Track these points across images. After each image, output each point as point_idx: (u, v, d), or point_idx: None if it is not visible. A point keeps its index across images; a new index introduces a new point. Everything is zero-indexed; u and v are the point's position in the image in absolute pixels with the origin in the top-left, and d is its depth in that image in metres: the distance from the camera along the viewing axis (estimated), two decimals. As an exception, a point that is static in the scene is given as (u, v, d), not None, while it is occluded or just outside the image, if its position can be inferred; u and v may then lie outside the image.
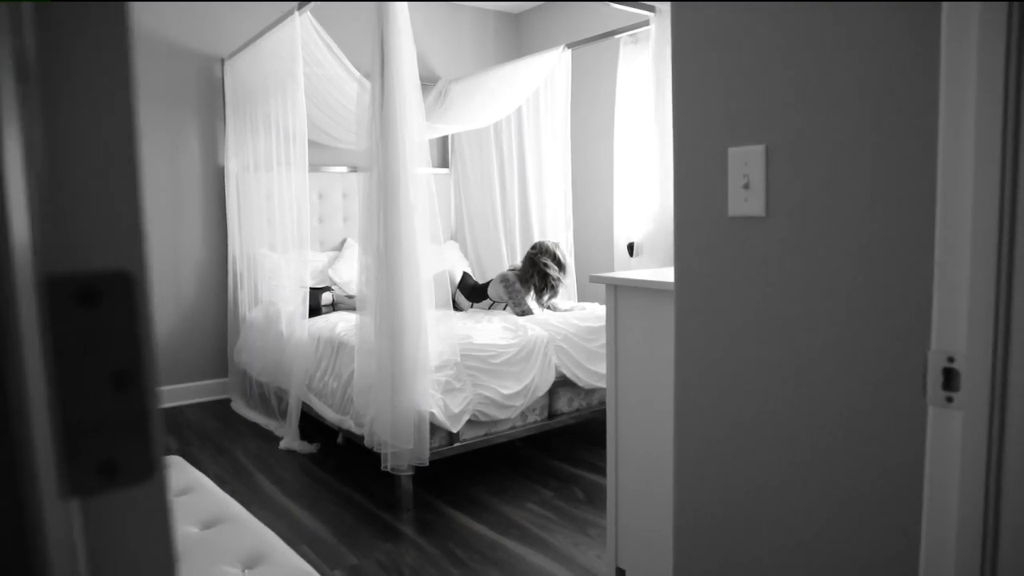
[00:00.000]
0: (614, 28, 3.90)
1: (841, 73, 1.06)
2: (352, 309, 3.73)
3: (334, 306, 4.06)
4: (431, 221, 3.05)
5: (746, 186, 1.20)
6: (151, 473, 0.27)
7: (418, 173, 2.82)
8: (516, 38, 5.53)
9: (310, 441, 3.50)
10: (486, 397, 2.92)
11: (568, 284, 3.99)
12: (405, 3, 2.78)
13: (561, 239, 4.16)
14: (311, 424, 3.59)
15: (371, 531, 2.59)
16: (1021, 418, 0.75)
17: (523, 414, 3.11)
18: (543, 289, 3.74)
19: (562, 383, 3.22)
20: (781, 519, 1.21)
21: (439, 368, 2.83)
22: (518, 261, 4.26)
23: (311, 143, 3.86)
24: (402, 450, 2.70)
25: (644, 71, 3.68)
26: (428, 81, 4.79)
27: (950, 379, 0.80)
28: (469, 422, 2.89)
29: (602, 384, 3.25)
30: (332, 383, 3.24)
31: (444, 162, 5.25)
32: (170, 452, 3.26)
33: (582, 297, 4.63)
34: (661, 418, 1.84)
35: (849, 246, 1.07)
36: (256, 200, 4.17)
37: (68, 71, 0.26)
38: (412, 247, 2.76)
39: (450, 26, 5.20)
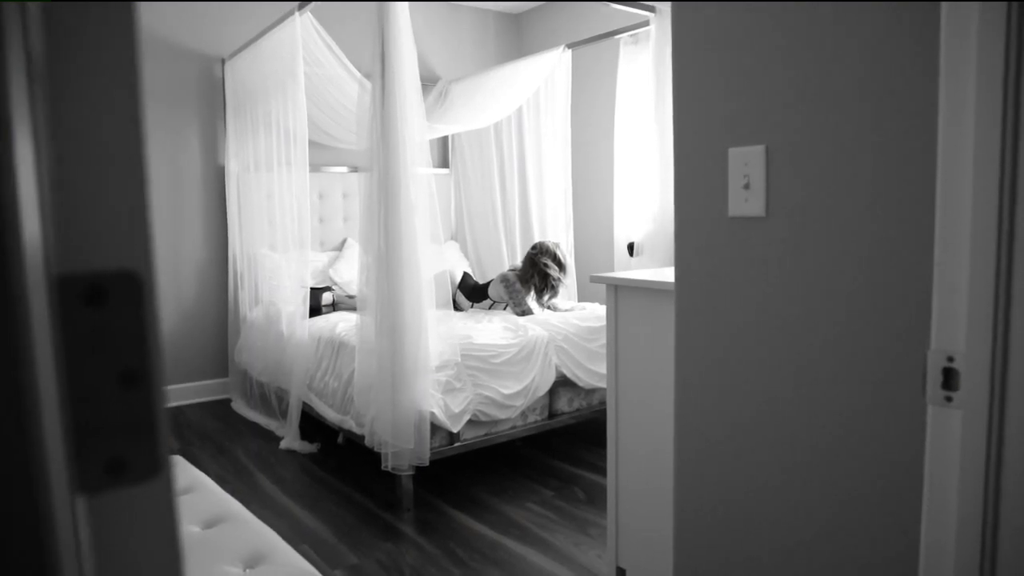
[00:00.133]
0: (614, 28, 3.90)
1: (841, 73, 1.07)
2: (352, 309, 3.73)
3: (334, 306, 4.06)
4: (431, 221, 3.06)
5: (746, 186, 1.20)
6: (158, 471, 0.28)
7: (418, 173, 2.82)
8: (516, 38, 5.53)
9: (311, 441, 3.50)
10: (486, 397, 2.92)
11: (568, 284, 3.99)
12: (406, 3, 2.78)
13: (561, 239, 4.16)
14: (311, 424, 3.59)
15: (372, 531, 2.60)
16: (1020, 417, 0.75)
17: (523, 414, 3.11)
18: (543, 289, 3.75)
19: (562, 383, 3.23)
20: (781, 519, 1.22)
21: (440, 368, 2.84)
22: (518, 261, 4.26)
23: (311, 143, 3.86)
24: (403, 450, 2.70)
25: (644, 71, 3.68)
26: (428, 81, 4.79)
27: (949, 378, 0.80)
28: (470, 422, 2.89)
29: (602, 384, 3.25)
30: (333, 383, 3.25)
31: (444, 162, 5.26)
32: (171, 452, 3.26)
33: (582, 297, 4.64)
34: (661, 418, 1.84)
35: (849, 246, 1.08)
36: (257, 200, 4.18)
37: (75, 72, 0.26)
38: (413, 247, 2.77)
39: (450, 26, 5.21)
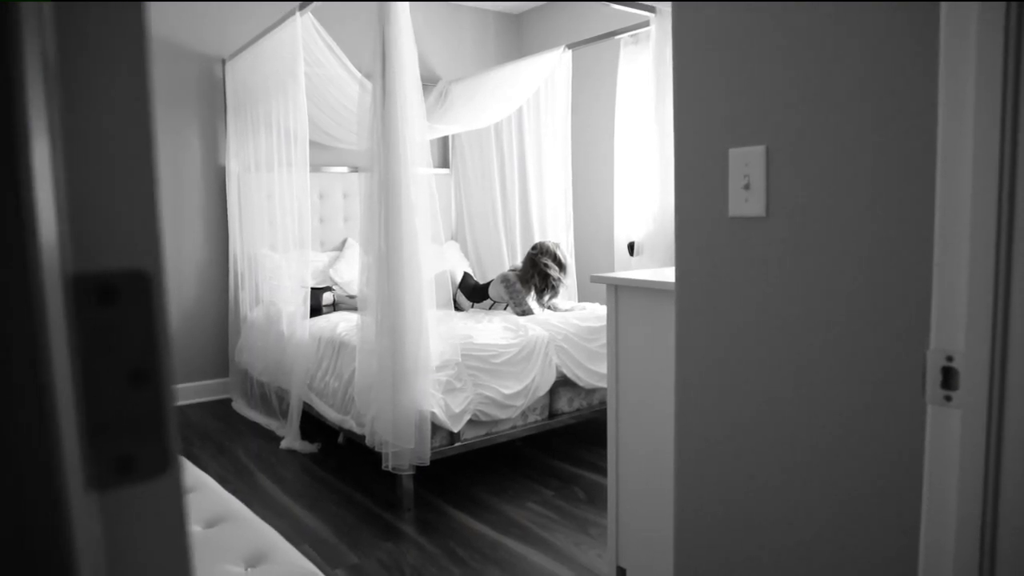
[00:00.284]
0: (615, 29, 3.91)
1: (842, 73, 1.07)
2: (353, 309, 3.74)
3: (335, 306, 4.06)
4: (432, 221, 3.06)
5: (747, 186, 1.20)
6: (167, 468, 0.28)
7: (419, 173, 2.82)
8: (517, 38, 5.53)
9: (311, 441, 3.50)
10: (487, 397, 2.93)
11: (568, 284, 4.00)
12: (406, 3, 2.78)
13: (561, 239, 4.16)
14: (312, 424, 3.59)
15: (372, 530, 2.60)
16: (1019, 416, 0.75)
17: (524, 414, 3.12)
18: (544, 289, 3.75)
19: (563, 383, 3.23)
20: (781, 518, 1.22)
21: (440, 368, 2.84)
22: (518, 261, 4.27)
23: (312, 143, 3.86)
24: (403, 449, 2.70)
25: (644, 71, 3.69)
26: (429, 81, 4.79)
27: (949, 378, 0.80)
28: (470, 422, 2.90)
29: (602, 384, 3.25)
30: (333, 383, 3.25)
31: (445, 162, 5.26)
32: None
33: (582, 297, 4.64)
34: (662, 418, 1.84)
35: (849, 246, 1.08)
36: (257, 200, 4.18)
37: (85, 73, 0.26)
38: (413, 247, 2.77)
39: (451, 26, 5.21)
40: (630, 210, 3.88)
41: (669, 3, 3.07)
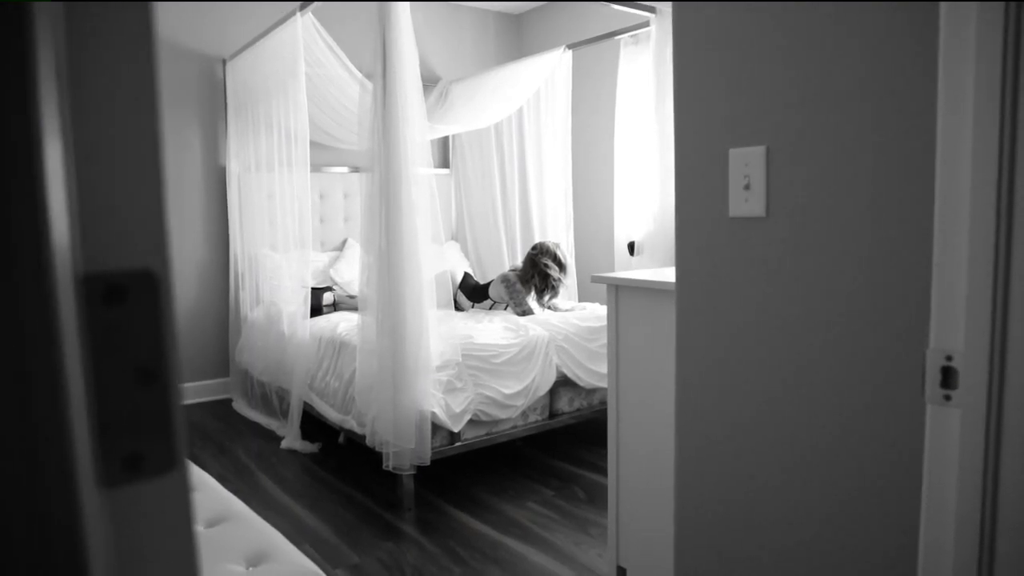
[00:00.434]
0: (615, 29, 3.91)
1: (842, 73, 1.07)
2: (353, 309, 3.74)
3: (335, 306, 4.07)
4: (432, 221, 3.06)
5: (747, 187, 1.21)
6: (174, 465, 0.28)
7: (419, 173, 2.83)
8: (517, 39, 5.54)
9: (312, 441, 3.51)
10: (487, 397, 2.93)
11: (569, 284, 4.00)
12: (407, 4, 2.79)
13: (562, 239, 4.17)
14: (313, 424, 3.59)
15: (373, 530, 2.60)
16: (1018, 415, 0.76)
17: (524, 414, 3.12)
18: (544, 289, 3.75)
19: (563, 383, 3.23)
20: (781, 518, 1.22)
21: (440, 368, 2.84)
22: (519, 261, 4.27)
23: (312, 143, 3.87)
24: (404, 449, 2.71)
25: (645, 72, 3.69)
26: (429, 82, 4.80)
27: (948, 377, 0.80)
28: (470, 422, 2.90)
29: (603, 384, 3.25)
30: (334, 383, 3.25)
31: (445, 162, 5.26)
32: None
33: (583, 297, 4.64)
34: (662, 418, 1.85)
35: (849, 246, 1.08)
36: (258, 200, 4.18)
37: (93, 73, 0.26)
38: (414, 247, 2.77)
39: (451, 27, 5.21)
40: (630, 210, 3.89)
41: (669, 3, 3.07)
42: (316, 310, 3.88)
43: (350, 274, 4.29)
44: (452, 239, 5.10)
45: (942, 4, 0.80)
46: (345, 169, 4.74)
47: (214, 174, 4.39)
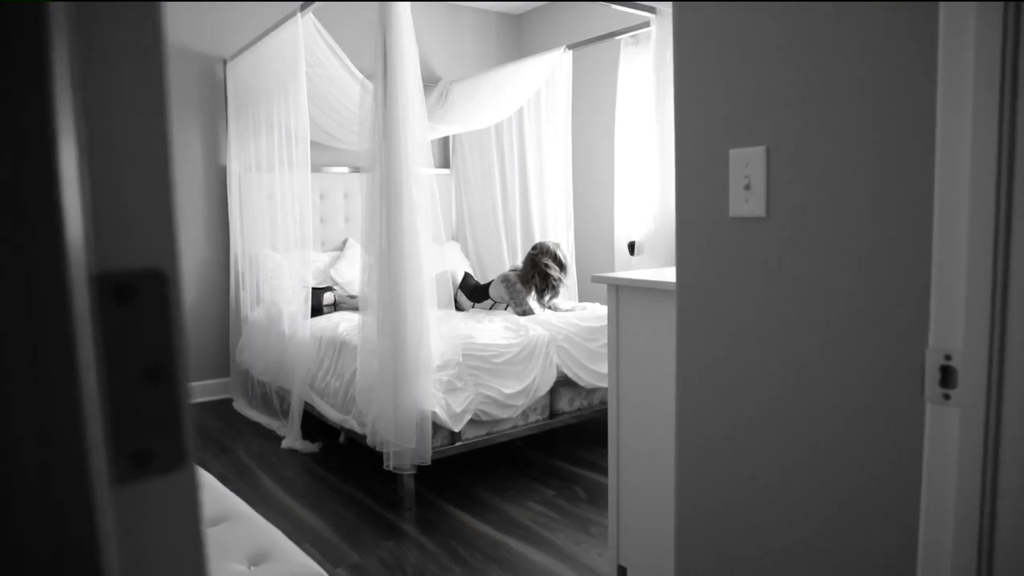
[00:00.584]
0: (615, 29, 3.91)
1: (842, 73, 1.07)
2: (354, 309, 3.74)
3: (336, 306, 4.07)
4: (433, 221, 3.07)
5: (747, 187, 1.21)
6: (183, 462, 0.29)
7: (420, 173, 2.83)
8: (517, 39, 5.54)
9: (312, 440, 3.51)
10: (488, 396, 2.93)
11: (569, 284, 4.00)
12: (407, 4, 2.79)
13: (562, 239, 4.17)
14: (313, 423, 3.60)
15: (373, 530, 2.61)
16: (1017, 414, 0.76)
17: (524, 413, 3.12)
18: (544, 289, 3.76)
19: (563, 383, 3.24)
20: (781, 518, 1.22)
21: (441, 368, 2.85)
22: (519, 261, 4.27)
23: (313, 143, 3.87)
24: (404, 449, 2.71)
25: (645, 72, 3.69)
26: (430, 82, 4.80)
27: (947, 377, 0.81)
28: (471, 421, 2.90)
29: (603, 384, 3.26)
30: (334, 383, 3.26)
31: (445, 162, 5.27)
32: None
33: (583, 297, 4.65)
34: (662, 417, 1.85)
35: (849, 246, 1.09)
36: (258, 200, 4.19)
37: (104, 74, 0.27)
38: (414, 247, 2.78)
39: (451, 27, 5.22)
40: (630, 210, 3.89)
41: (669, 3, 3.07)
42: (317, 310, 3.88)
43: (351, 274, 4.30)
44: (452, 239, 5.11)
45: (942, 4, 0.80)
46: (346, 169, 4.75)
47: (215, 174, 4.39)
